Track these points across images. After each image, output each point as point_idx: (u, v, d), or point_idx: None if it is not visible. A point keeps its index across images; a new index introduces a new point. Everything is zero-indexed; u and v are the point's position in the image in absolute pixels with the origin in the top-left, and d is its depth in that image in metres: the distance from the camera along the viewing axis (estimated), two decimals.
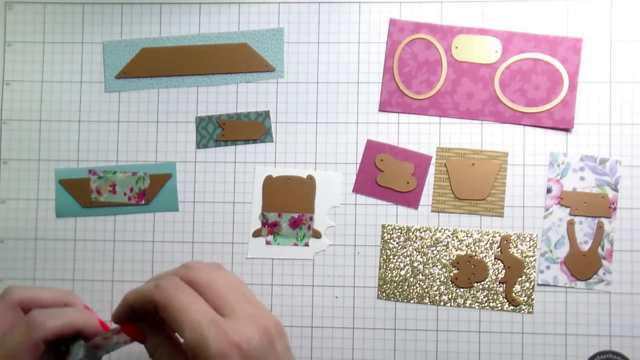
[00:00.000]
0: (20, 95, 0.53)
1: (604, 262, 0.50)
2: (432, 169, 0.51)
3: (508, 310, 0.50)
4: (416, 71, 0.52)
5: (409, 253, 0.51)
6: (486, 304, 0.50)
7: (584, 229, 0.50)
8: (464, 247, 0.51)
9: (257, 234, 0.52)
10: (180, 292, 0.37)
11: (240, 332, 0.36)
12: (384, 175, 0.51)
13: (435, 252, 0.51)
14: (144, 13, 0.53)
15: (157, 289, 0.37)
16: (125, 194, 0.52)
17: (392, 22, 0.52)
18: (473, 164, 0.51)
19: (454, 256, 0.51)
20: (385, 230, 0.51)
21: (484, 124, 0.51)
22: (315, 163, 0.52)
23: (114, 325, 0.39)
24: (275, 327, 0.37)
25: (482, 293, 0.50)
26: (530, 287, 0.50)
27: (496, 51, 0.51)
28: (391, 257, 0.51)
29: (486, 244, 0.51)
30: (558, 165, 0.51)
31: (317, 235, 0.52)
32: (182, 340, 0.35)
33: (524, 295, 0.50)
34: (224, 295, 0.38)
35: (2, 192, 0.53)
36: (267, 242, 0.52)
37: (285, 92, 0.52)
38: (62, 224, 0.53)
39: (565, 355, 0.50)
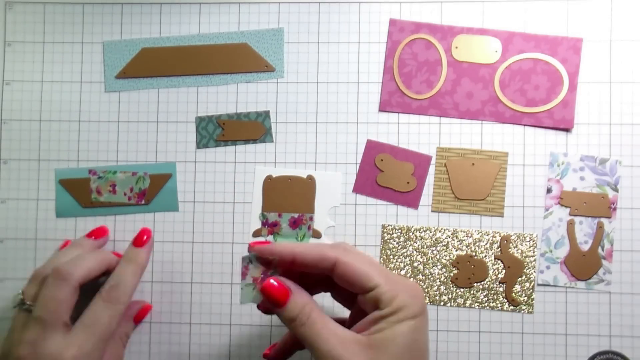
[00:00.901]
0: (20, 95, 0.53)
1: (604, 262, 0.50)
2: (432, 169, 0.51)
3: (508, 310, 0.50)
4: (416, 71, 0.52)
5: (409, 253, 0.51)
6: (486, 304, 0.50)
7: (584, 229, 0.50)
8: (464, 247, 0.51)
9: (257, 234, 0.52)
10: (362, 258, 0.40)
11: (417, 287, 0.40)
12: (384, 175, 0.51)
13: (435, 252, 0.51)
14: (144, 13, 0.53)
15: (338, 249, 0.40)
16: (125, 194, 0.52)
17: (392, 22, 0.52)
18: (473, 164, 0.51)
19: (454, 256, 0.51)
20: (385, 230, 0.51)
21: (484, 124, 0.51)
22: (315, 163, 0.52)
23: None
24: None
25: (482, 293, 0.50)
26: (530, 287, 0.50)
27: (496, 51, 0.51)
28: (391, 257, 0.51)
29: (486, 244, 0.51)
30: (558, 165, 0.51)
31: (317, 235, 0.52)
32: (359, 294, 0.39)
33: (524, 295, 0.50)
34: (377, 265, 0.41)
35: (2, 192, 0.53)
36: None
37: (285, 92, 0.52)
38: (62, 224, 0.53)
39: (565, 355, 0.50)
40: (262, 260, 0.41)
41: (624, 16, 0.51)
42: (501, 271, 0.50)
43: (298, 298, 0.39)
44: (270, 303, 0.39)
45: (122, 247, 0.52)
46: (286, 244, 0.40)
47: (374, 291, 0.38)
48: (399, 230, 0.51)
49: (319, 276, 0.42)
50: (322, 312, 0.39)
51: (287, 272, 0.41)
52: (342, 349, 0.37)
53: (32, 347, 0.42)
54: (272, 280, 0.39)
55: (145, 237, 0.48)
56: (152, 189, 0.52)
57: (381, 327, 0.37)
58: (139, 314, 0.51)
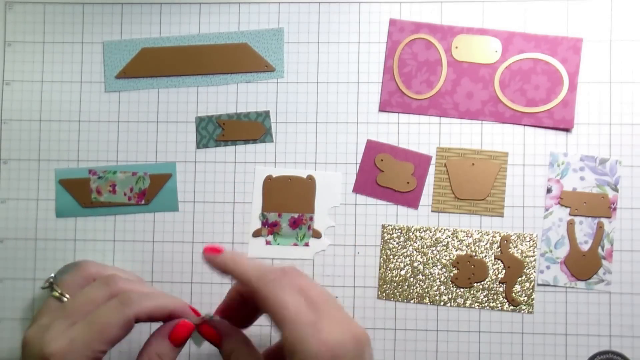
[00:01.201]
0: (20, 95, 0.53)
1: (604, 262, 0.50)
2: (432, 169, 0.51)
3: (508, 310, 0.50)
4: (416, 71, 0.52)
5: (409, 253, 0.51)
6: (486, 304, 0.50)
7: (584, 229, 0.50)
8: (464, 247, 0.51)
9: (257, 234, 0.52)
10: (286, 289, 0.38)
11: (335, 336, 0.37)
12: (384, 175, 0.51)
13: (435, 252, 0.51)
14: (144, 13, 0.53)
15: (265, 281, 0.38)
16: (125, 194, 0.52)
17: (392, 22, 0.52)
18: (473, 164, 0.51)
19: (454, 256, 0.51)
20: (385, 230, 0.51)
21: (484, 124, 0.51)
22: (315, 163, 0.52)
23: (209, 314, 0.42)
24: (364, 335, 0.38)
25: (482, 293, 0.50)
26: (530, 287, 0.50)
27: (496, 51, 0.51)
28: (391, 257, 0.51)
29: (486, 244, 0.51)
30: (558, 165, 0.51)
31: (317, 235, 0.52)
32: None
33: (524, 295, 0.50)
34: (318, 300, 0.39)
35: (2, 192, 0.53)
36: (267, 242, 0.52)
37: (285, 92, 0.52)
38: (62, 224, 0.53)
39: (565, 355, 0.50)
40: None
41: (624, 16, 0.51)
42: (501, 271, 0.50)
43: (226, 345, 0.41)
44: (208, 341, 0.42)
45: (121, 248, 0.52)
46: (236, 261, 0.40)
47: (282, 336, 0.37)
48: (399, 230, 0.51)
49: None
50: (252, 353, 0.41)
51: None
52: None
53: (40, 331, 0.39)
54: (208, 325, 0.42)
55: (182, 335, 0.42)
56: (152, 189, 0.52)
57: None
58: (176, 333, 0.42)
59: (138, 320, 0.39)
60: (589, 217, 0.50)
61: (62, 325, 0.39)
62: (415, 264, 0.51)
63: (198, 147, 0.52)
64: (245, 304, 0.43)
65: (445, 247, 0.51)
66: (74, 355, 0.38)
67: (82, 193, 0.53)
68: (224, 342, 0.41)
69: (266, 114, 0.52)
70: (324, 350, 0.36)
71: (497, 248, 0.51)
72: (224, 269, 0.41)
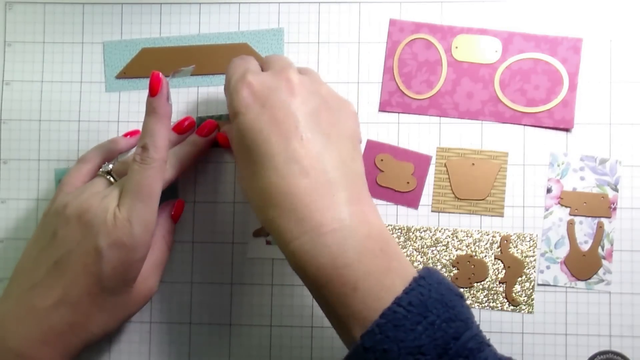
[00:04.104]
0: (20, 95, 0.53)
1: (604, 262, 0.50)
2: (432, 169, 0.51)
3: (508, 310, 0.50)
4: (416, 71, 0.52)
5: (409, 253, 0.51)
6: (486, 304, 0.50)
7: (584, 229, 0.50)
8: (464, 247, 0.51)
9: (257, 233, 0.52)
10: (241, 58, 0.45)
11: (259, 76, 0.41)
12: (384, 175, 0.51)
13: (435, 252, 0.51)
14: (144, 13, 0.53)
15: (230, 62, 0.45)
16: None
17: (392, 22, 0.52)
18: (473, 164, 0.51)
19: (454, 256, 0.51)
20: None
21: (484, 124, 0.51)
22: None
23: None
24: (309, 85, 0.42)
25: (482, 293, 0.50)
26: (530, 287, 0.50)
27: (496, 51, 0.51)
28: None
29: (486, 244, 0.51)
30: (558, 165, 0.51)
31: None
32: None
33: (524, 295, 0.50)
34: (271, 58, 0.45)
35: (2, 192, 0.53)
36: (268, 242, 0.52)
37: None
38: None
39: (565, 355, 0.50)
40: None
41: (624, 16, 0.51)
42: (501, 271, 0.51)
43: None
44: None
45: None
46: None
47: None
48: (399, 230, 0.51)
49: None
50: None
51: None
52: None
53: (86, 194, 0.44)
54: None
55: (156, 84, 0.44)
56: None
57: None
58: (176, 211, 0.50)
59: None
60: (589, 217, 0.50)
61: (111, 190, 0.44)
62: (415, 264, 0.51)
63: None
64: None
65: (445, 247, 0.51)
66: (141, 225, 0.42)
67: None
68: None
69: None
70: (240, 84, 0.41)
71: (497, 248, 0.51)
72: None
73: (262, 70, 0.44)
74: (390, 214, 0.51)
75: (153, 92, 0.43)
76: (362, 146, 0.52)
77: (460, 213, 0.51)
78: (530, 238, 0.51)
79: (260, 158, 0.39)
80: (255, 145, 0.39)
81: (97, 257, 0.41)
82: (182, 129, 0.50)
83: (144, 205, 0.42)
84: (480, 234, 0.51)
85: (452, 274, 0.51)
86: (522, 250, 0.51)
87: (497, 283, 0.50)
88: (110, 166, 0.47)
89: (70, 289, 0.41)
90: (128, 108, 0.53)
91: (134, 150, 0.51)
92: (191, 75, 0.52)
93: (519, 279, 0.50)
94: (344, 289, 0.36)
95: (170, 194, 0.52)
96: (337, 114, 0.42)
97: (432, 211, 0.51)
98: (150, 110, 0.44)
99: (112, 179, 0.46)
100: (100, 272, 0.41)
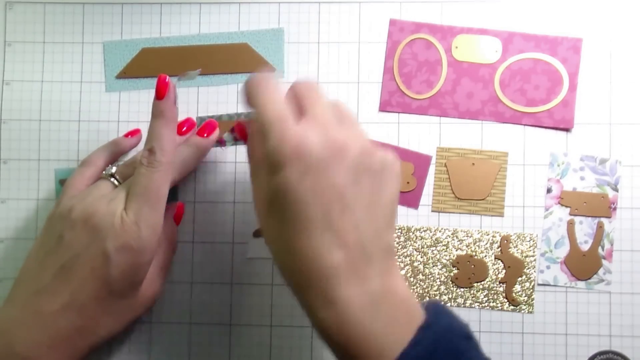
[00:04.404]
0: (20, 95, 0.53)
1: (604, 262, 0.50)
2: (432, 169, 0.51)
3: (508, 310, 0.50)
4: (416, 71, 0.52)
5: (409, 253, 0.51)
6: (486, 304, 0.50)
7: (584, 229, 0.50)
8: (464, 247, 0.51)
9: (257, 234, 0.52)
10: (265, 86, 0.39)
11: (302, 129, 0.37)
12: None
13: (435, 252, 0.51)
14: (144, 13, 0.53)
15: (248, 82, 0.40)
16: None
17: (392, 22, 0.52)
18: (473, 164, 0.51)
19: (454, 256, 0.51)
20: None
21: (484, 124, 0.51)
22: None
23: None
24: (348, 144, 0.37)
25: (482, 293, 0.50)
26: (531, 287, 0.50)
27: (496, 51, 0.51)
28: None
29: (486, 243, 0.51)
30: (558, 165, 0.51)
31: None
32: None
33: (524, 295, 0.50)
34: (306, 94, 0.39)
35: (2, 192, 0.53)
36: None
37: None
38: None
39: (565, 355, 0.50)
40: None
41: (624, 16, 0.51)
42: (501, 271, 0.51)
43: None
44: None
45: None
46: None
47: None
48: (399, 230, 0.51)
49: None
50: None
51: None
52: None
53: (90, 198, 0.44)
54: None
55: (163, 87, 0.44)
56: None
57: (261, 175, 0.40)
58: (178, 214, 0.50)
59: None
60: (589, 217, 0.50)
61: (116, 193, 0.44)
62: (415, 264, 0.51)
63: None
64: None
65: (445, 247, 0.51)
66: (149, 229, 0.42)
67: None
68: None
69: None
70: (287, 144, 0.36)
71: (497, 248, 0.51)
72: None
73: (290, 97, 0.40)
74: None
75: (160, 95, 0.43)
76: None
77: (460, 213, 0.51)
78: (530, 238, 0.51)
79: (295, 223, 0.36)
80: (293, 208, 0.36)
81: (105, 261, 0.41)
82: (183, 131, 0.50)
83: (151, 208, 0.42)
84: (480, 234, 0.51)
85: (452, 274, 0.51)
86: (522, 250, 0.51)
87: (497, 283, 0.50)
88: (114, 169, 0.47)
89: (78, 293, 0.41)
90: (128, 108, 0.53)
91: (135, 151, 0.51)
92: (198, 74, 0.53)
93: (519, 278, 0.50)
94: (369, 356, 0.35)
95: (170, 195, 0.52)
96: (380, 177, 0.38)
97: (432, 211, 0.51)
98: (157, 114, 0.43)
99: (115, 181, 0.46)
100: (108, 276, 0.41)
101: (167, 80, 0.43)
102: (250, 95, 0.40)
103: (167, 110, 0.43)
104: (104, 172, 0.48)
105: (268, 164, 0.37)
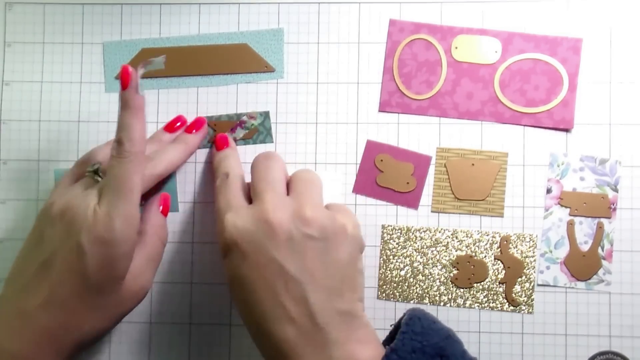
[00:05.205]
0: (20, 95, 0.53)
1: (604, 262, 0.50)
2: (432, 169, 0.51)
3: (508, 311, 0.50)
4: (416, 71, 0.52)
5: (408, 253, 0.51)
6: (486, 305, 0.50)
7: (584, 229, 0.50)
8: (464, 248, 0.51)
9: None
10: (223, 183, 0.45)
11: (233, 224, 0.41)
12: (384, 175, 0.51)
13: (435, 252, 0.51)
14: (144, 13, 0.53)
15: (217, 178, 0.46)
16: None
17: (392, 23, 0.52)
18: (473, 164, 0.51)
19: (453, 256, 0.51)
20: (385, 230, 0.51)
21: (484, 124, 0.51)
22: (315, 163, 0.52)
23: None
24: (287, 219, 0.40)
25: (482, 293, 0.50)
26: (530, 287, 0.50)
27: (496, 51, 0.51)
28: (391, 257, 0.51)
29: (486, 244, 0.51)
30: (558, 166, 0.51)
31: None
32: None
33: (524, 295, 0.50)
34: (256, 182, 0.44)
35: (2, 192, 0.53)
36: None
37: (285, 92, 0.52)
38: None
39: (565, 356, 0.50)
40: None
41: (624, 16, 0.51)
42: (501, 271, 0.50)
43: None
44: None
45: None
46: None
47: None
48: (399, 231, 0.51)
49: None
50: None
51: None
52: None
53: (69, 195, 0.44)
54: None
55: (125, 77, 0.43)
56: (152, 189, 0.52)
57: None
58: (164, 205, 0.50)
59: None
60: (589, 217, 0.50)
61: (91, 190, 0.44)
62: (415, 264, 0.51)
63: (198, 147, 0.52)
64: None
65: (445, 248, 0.51)
66: (123, 221, 0.42)
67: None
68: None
69: (266, 115, 0.52)
70: (228, 240, 0.41)
71: (497, 248, 0.51)
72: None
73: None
74: (390, 214, 0.51)
75: (123, 85, 0.43)
76: (362, 146, 0.52)
77: (460, 213, 0.51)
78: (530, 238, 0.51)
79: (247, 302, 0.40)
80: (245, 289, 0.39)
81: (80, 254, 0.40)
82: (174, 128, 0.51)
83: (123, 198, 0.41)
84: (480, 234, 0.51)
85: (452, 274, 0.51)
86: (522, 251, 0.51)
87: (497, 283, 0.50)
88: (97, 165, 0.46)
89: (57, 288, 0.41)
90: None
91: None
92: (191, 75, 0.53)
93: (519, 279, 0.50)
94: None
95: (171, 196, 0.52)
96: (326, 243, 0.40)
97: (432, 211, 0.51)
98: (123, 104, 0.43)
99: (99, 178, 0.46)
100: (85, 270, 0.41)
101: (128, 69, 0.42)
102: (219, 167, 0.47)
103: (131, 100, 0.42)
104: (87, 168, 0.47)
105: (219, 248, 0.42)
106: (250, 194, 0.44)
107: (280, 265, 0.38)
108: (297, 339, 0.37)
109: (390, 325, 0.40)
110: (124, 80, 0.42)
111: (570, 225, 0.50)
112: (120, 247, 0.41)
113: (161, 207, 0.49)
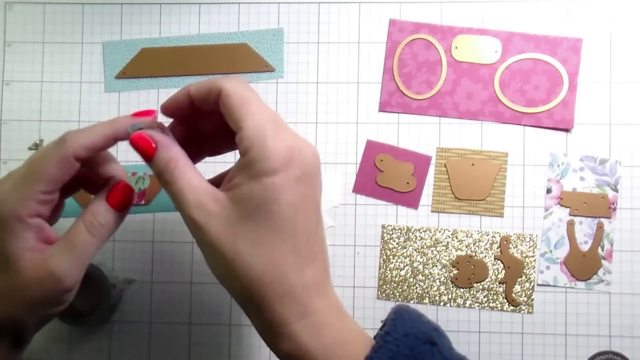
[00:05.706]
0: (20, 95, 0.53)
1: (604, 262, 0.50)
2: (432, 169, 0.51)
3: (508, 311, 0.50)
4: (416, 71, 0.52)
5: (409, 253, 0.51)
6: (486, 304, 0.50)
7: (584, 229, 0.50)
8: (464, 248, 0.51)
9: None
10: (248, 88, 0.36)
11: (297, 141, 0.36)
12: (384, 175, 0.51)
13: (435, 252, 0.51)
14: (144, 13, 0.53)
15: (228, 79, 0.36)
16: None
17: (392, 22, 0.52)
18: (473, 164, 0.51)
19: (453, 256, 0.51)
20: (385, 230, 0.51)
21: (484, 124, 0.51)
22: None
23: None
24: (318, 157, 0.37)
25: (482, 293, 0.50)
26: (530, 287, 0.50)
27: (496, 51, 0.51)
28: (391, 257, 0.51)
29: (486, 244, 0.51)
30: (558, 166, 0.51)
31: None
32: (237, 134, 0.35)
33: (523, 295, 0.50)
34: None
35: None
36: None
37: (285, 92, 0.52)
38: (62, 224, 0.52)
39: (565, 356, 0.50)
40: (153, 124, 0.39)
41: (624, 16, 0.51)
42: (501, 271, 0.50)
43: (163, 152, 0.37)
44: (140, 155, 0.38)
45: (121, 248, 0.52)
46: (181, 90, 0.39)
47: (238, 134, 0.35)
48: (399, 231, 0.51)
49: (213, 129, 0.41)
50: (190, 167, 0.38)
51: (178, 129, 0.41)
52: (197, 207, 0.36)
53: None
54: (142, 134, 0.38)
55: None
56: (152, 189, 0.52)
57: (237, 182, 0.35)
58: (113, 195, 0.40)
59: (79, 158, 0.37)
60: (588, 217, 0.50)
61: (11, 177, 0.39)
62: (415, 264, 0.51)
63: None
64: (193, 117, 0.40)
65: (445, 248, 0.51)
66: (14, 194, 0.37)
67: (82, 193, 0.52)
68: (157, 152, 0.38)
69: None
70: (282, 147, 0.34)
71: (497, 248, 0.51)
72: (183, 94, 0.38)
73: None
74: (390, 214, 0.51)
75: (146, 157, 0.38)
76: (362, 146, 0.52)
77: (460, 213, 0.51)
78: (530, 238, 0.51)
79: (280, 232, 0.35)
80: (282, 216, 0.34)
81: None
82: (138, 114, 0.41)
83: (23, 179, 0.39)
84: (480, 234, 0.51)
85: (452, 275, 0.51)
86: (522, 251, 0.51)
87: (497, 283, 0.50)
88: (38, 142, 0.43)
89: None
90: (127, 108, 0.53)
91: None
92: (191, 74, 0.52)
93: (519, 279, 0.50)
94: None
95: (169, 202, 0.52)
96: (317, 187, 0.37)
97: (432, 211, 0.51)
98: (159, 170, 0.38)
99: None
100: None
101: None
102: (232, 92, 0.36)
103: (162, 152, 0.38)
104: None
105: (255, 169, 0.35)
106: None
107: (317, 202, 0.37)
108: (317, 278, 0.36)
109: (381, 322, 0.40)
110: (145, 148, 0.38)
111: (570, 225, 0.50)
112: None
113: (106, 195, 0.40)
